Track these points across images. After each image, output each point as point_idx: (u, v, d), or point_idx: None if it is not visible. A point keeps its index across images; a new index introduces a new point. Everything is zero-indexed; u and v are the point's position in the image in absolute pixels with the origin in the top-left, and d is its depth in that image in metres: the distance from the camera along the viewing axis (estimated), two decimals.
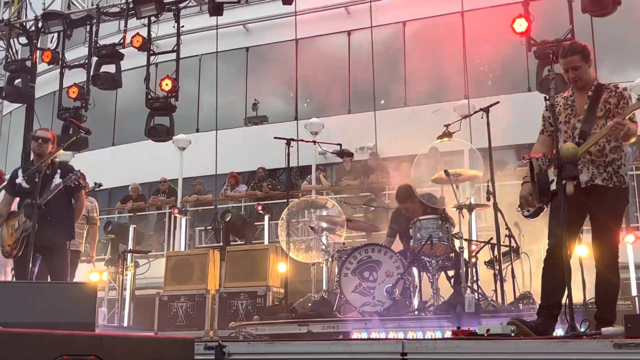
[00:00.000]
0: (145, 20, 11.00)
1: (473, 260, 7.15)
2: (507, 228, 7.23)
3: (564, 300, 4.40)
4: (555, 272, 4.57)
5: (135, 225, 12.83)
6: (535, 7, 9.11)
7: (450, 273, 7.29)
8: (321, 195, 11.94)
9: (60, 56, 11.73)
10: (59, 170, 6.45)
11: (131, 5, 11.00)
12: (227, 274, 9.29)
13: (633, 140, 4.84)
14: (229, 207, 13.79)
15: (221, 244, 12.01)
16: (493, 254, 7.12)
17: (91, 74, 11.22)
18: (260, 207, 12.08)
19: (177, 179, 14.24)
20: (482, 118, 7.34)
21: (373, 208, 9.72)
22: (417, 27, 16.06)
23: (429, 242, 6.89)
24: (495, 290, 6.92)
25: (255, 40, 17.71)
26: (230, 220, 12.08)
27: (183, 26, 11.16)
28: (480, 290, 6.96)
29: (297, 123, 12.22)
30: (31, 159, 6.71)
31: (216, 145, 12.31)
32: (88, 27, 11.69)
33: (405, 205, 7.68)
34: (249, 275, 9.10)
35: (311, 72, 15.43)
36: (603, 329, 4.05)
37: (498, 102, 7.42)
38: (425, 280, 7.15)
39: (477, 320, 5.99)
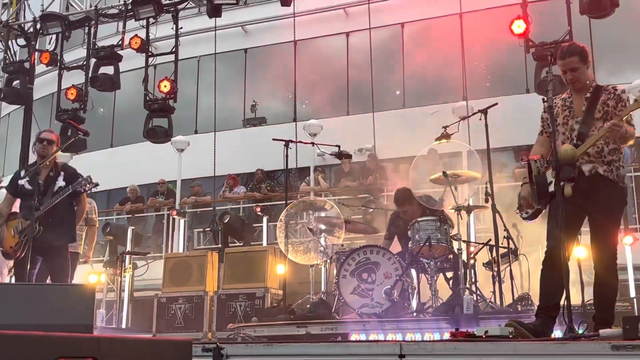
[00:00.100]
0: (144, 22, 10.99)
1: (471, 261, 7.14)
2: (506, 229, 7.23)
3: (563, 301, 4.40)
4: (554, 273, 4.57)
5: (133, 227, 12.83)
6: (534, 8, 9.12)
7: (449, 274, 7.29)
8: (320, 197, 11.94)
9: (59, 58, 11.71)
10: (62, 173, 6.49)
11: (130, 7, 10.99)
12: (226, 275, 9.28)
13: (631, 142, 4.84)
14: (227, 208, 13.80)
15: (219, 245, 12.00)
16: (491, 255, 7.12)
17: (89, 75, 11.21)
18: (258, 209, 12.09)
19: (176, 181, 14.25)
20: (480, 120, 7.34)
21: (372, 209, 9.72)
22: (415, 29, 16.08)
23: (427, 243, 6.89)
24: (494, 292, 6.91)
25: (254, 41, 17.73)
26: (228, 222, 12.08)
27: (181, 28, 11.16)
28: (478, 292, 6.95)
29: (296, 124, 12.23)
30: (35, 161, 6.70)
31: (214, 146, 12.31)
32: (86, 28, 11.67)
33: (404, 209, 7.68)
34: (247, 276, 9.10)
35: (309, 73, 15.45)
36: (601, 331, 4.04)
37: (496, 104, 7.42)
38: (424, 281, 7.16)
39: (475, 321, 5.99)
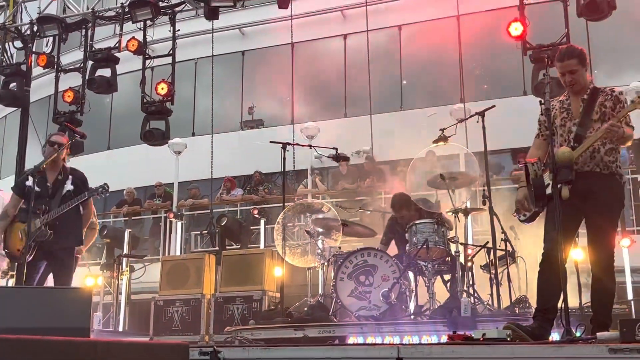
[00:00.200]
0: (141, 24, 10.97)
1: (469, 264, 7.15)
2: (503, 232, 7.24)
3: (560, 304, 4.40)
4: (551, 276, 4.57)
5: (130, 230, 12.81)
6: (531, 11, 9.13)
7: (446, 277, 7.29)
8: (317, 199, 11.93)
9: (56, 60, 11.68)
10: (70, 177, 6.51)
11: (127, 9, 10.98)
12: (223, 278, 9.28)
13: (629, 144, 4.84)
14: (224, 211, 13.78)
15: (217, 248, 12.00)
16: (489, 258, 7.11)
17: (86, 77, 11.20)
18: (256, 211, 12.07)
19: (173, 183, 14.22)
20: (477, 122, 7.34)
21: (369, 212, 9.72)
22: (412, 31, 16.08)
23: (424, 246, 6.88)
24: (491, 295, 6.91)
25: (251, 44, 17.72)
26: (226, 225, 12.07)
27: (179, 30, 11.14)
28: (476, 295, 6.95)
29: (293, 127, 12.23)
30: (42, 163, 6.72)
31: (212, 149, 12.30)
32: (83, 31, 11.65)
33: (401, 214, 7.68)
34: (244, 279, 9.09)
35: (307, 75, 15.48)
36: (598, 334, 4.04)
37: (494, 106, 7.43)
38: (422, 284, 7.15)
39: (473, 324, 5.98)
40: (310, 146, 8.40)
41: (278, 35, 15.79)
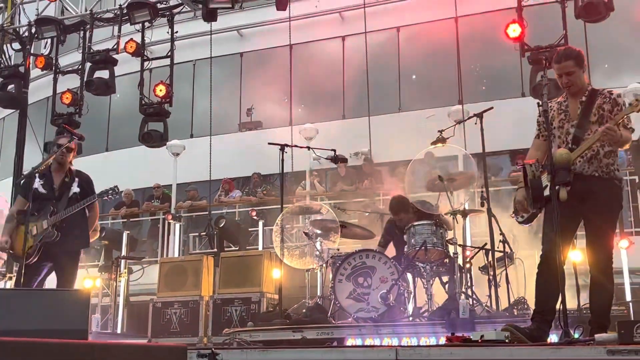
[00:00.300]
0: (139, 26, 10.97)
1: (467, 265, 7.15)
2: (502, 233, 7.23)
3: (558, 305, 4.40)
4: (549, 277, 4.57)
5: (128, 232, 12.80)
6: (529, 12, 9.13)
7: (445, 279, 7.28)
8: (315, 201, 11.93)
9: (54, 62, 11.68)
10: (76, 179, 6.56)
11: (125, 11, 10.98)
12: (221, 280, 9.27)
13: (627, 146, 4.85)
14: (223, 213, 13.77)
15: (215, 250, 11.99)
16: (487, 259, 7.11)
17: (85, 79, 11.19)
18: (254, 213, 12.06)
19: (171, 185, 14.22)
20: (475, 124, 7.35)
21: (367, 213, 9.71)
22: (411, 33, 16.09)
23: (423, 247, 6.88)
24: (490, 296, 6.91)
25: (250, 45, 17.72)
26: (224, 226, 12.06)
27: (177, 32, 11.14)
28: (474, 296, 6.95)
29: (292, 128, 12.22)
30: (49, 165, 6.73)
31: (210, 150, 12.30)
32: (82, 32, 11.65)
33: (399, 217, 7.67)
34: (243, 281, 9.08)
35: (305, 77, 15.47)
36: (596, 335, 4.04)
37: (492, 108, 7.43)
38: (420, 286, 7.15)
39: (471, 326, 5.98)
40: (308, 148, 8.40)
41: (276, 36, 15.81)
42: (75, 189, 6.50)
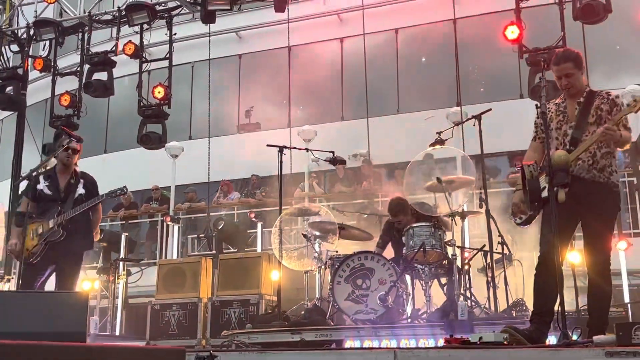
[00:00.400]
0: (138, 28, 10.98)
1: (466, 267, 7.14)
2: (500, 235, 7.23)
3: (557, 307, 4.40)
4: (548, 279, 4.57)
5: (127, 233, 12.78)
6: (527, 14, 9.14)
7: (443, 280, 7.27)
8: (314, 203, 11.92)
9: (52, 64, 11.69)
10: (82, 181, 6.63)
11: (123, 13, 10.99)
12: (220, 282, 9.25)
13: (627, 147, 4.85)
14: (221, 214, 13.76)
15: (213, 251, 11.98)
16: (486, 261, 7.11)
17: (83, 81, 11.19)
18: (252, 215, 12.06)
19: (170, 187, 14.21)
20: (474, 125, 7.35)
21: (366, 215, 9.71)
22: (409, 35, 16.10)
23: (421, 249, 6.88)
24: (488, 298, 6.91)
25: (248, 47, 17.72)
26: (222, 228, 12.05)
27: (175, 33, 11.15)
28: (473, 298, 6.95)
29: (290, 130, 12.21)
30: (53, 167, 6.83)
31: (209, 152, 12.30)
32: (80, 34, 11.66)
33: (398, 219, 7.67)
34: (241, 283, 9.06)
35: (304, 79, 15.45)
36: (595, 337, 4.04)
37: (490, 110, 7.43)
38: (419, 287, 7.14)
39: (470, 327, 5.98)
40: (307, 149, 8.40)
41: (275, 38, 15.80)
42: (80, 190, 6.58)
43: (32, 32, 11.70)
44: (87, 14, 11.70)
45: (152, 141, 10.87)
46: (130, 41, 10.94)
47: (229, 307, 8.84)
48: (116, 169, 17.15)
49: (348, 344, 6.31)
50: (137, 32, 11.04)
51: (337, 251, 7.84)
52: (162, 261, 10.98)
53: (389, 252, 7.75)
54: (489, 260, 7.02)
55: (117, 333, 10.57)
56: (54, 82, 11.76)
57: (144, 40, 11.06)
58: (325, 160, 8.25)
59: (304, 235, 8.15)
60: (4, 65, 11.97)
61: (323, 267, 7.81)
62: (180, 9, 11.14)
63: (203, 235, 13.00)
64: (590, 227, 4.76)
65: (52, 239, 6.34)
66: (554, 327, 4.66)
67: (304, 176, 13.71)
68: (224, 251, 12.03)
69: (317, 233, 8.04)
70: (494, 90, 14.82)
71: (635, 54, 14.14)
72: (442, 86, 14.43)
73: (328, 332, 6.61)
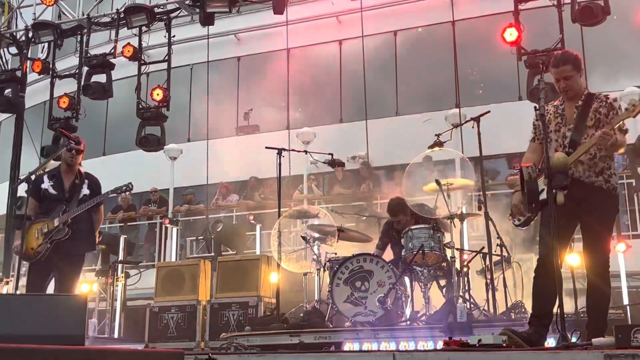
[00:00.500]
0: (136, 30, 10.98)
1: (465, 269, 7.14)
2: (499, 237, 7.23)
3: (556, 309, 4.40)
4: (547, 281, 4.57)
5: (125, 236, 12.75)
6: (526, 16, 9.15)
7: (442, 282, 7.27)
8: (313, 205, 11.92)
9: (51, 66, 11.69)
10: (86, 181, 6.70)
11: (122, 15, 10.99)
12: (219, 284, 9.24)
13: (621, 151, 4.86)
14: (220, 217, 13.75)
15: (212, 254, 11.97)
16: (485, 263, 7.11)
17: (82, 83, 11.18)
18: (251, 217, 12.05)
19: (168, 189, 14.20)
20: (472, 127, 7.35)
21: (365, 217, 9.70)
22: (408, 37, 16.12)
23: (420, 251, 6.88)
24: (487, 300, 6.91)
25: (247, 49, 17.73)
26: (221, 230, 12.05)
27: (174, 36, 11.15)
28: (472, 300, 6.95)
29: (289, 132, 12.21)
30: (57, 167, 6.84)
31: (207, 154, 12.29)
32: (79, 36, 11.66)
33: (398, 219, 7.67)
34: (240, 285, 9.05)
35: (302, 81, 15.46)
36: (594, 340, 4.04)
37: (489, 112, 7.44)
38: (417, 290, 7.14)
39: (469, 330, 5.98)
40: (305, 152, 8.40)
41: (274, 40, 15.79)
42: (85, 190, 6.65)
43: (30, 34, 11.70)
44: (85, 16, 11.70)
45: (151, 143, 10.87)
46: (129, 43, 10.94)
47: (227, 310, 8.83)
48: (115, 171, 17.09)
49: (347, 346, 6.30)
50: (135, 35, 11.04)
51: (335, 253, 7.84)
52: (160, 263, 10.97)
53: (388, 254, 7.75)
54: (487, 262, 7.02)
55: (116, 336, 10.55)
56: (52, 85, 11.75)
57: (142, 42, 11.05)
58: (324, 163, 8.25)
59: (303, 238, 8.14)
60: (3, 68, 11.97)
61: (322, 269, 7.80)
62: (179, 11, 11.15)
63: (202, 237, 12.99)
64: (590, 229, 4.76)
65: (57, 237, 6.38)
66: (552, 329, 4.65)
67: (302, 178, 13.70)
68: (223, 253, 12.01)
69: (316, 235, 8.04)
70: (492, 92, 14.82)
71: (633, 56, 14.16)
72: (441, 88, 14.44)
73: (327, 334, 6.61)
